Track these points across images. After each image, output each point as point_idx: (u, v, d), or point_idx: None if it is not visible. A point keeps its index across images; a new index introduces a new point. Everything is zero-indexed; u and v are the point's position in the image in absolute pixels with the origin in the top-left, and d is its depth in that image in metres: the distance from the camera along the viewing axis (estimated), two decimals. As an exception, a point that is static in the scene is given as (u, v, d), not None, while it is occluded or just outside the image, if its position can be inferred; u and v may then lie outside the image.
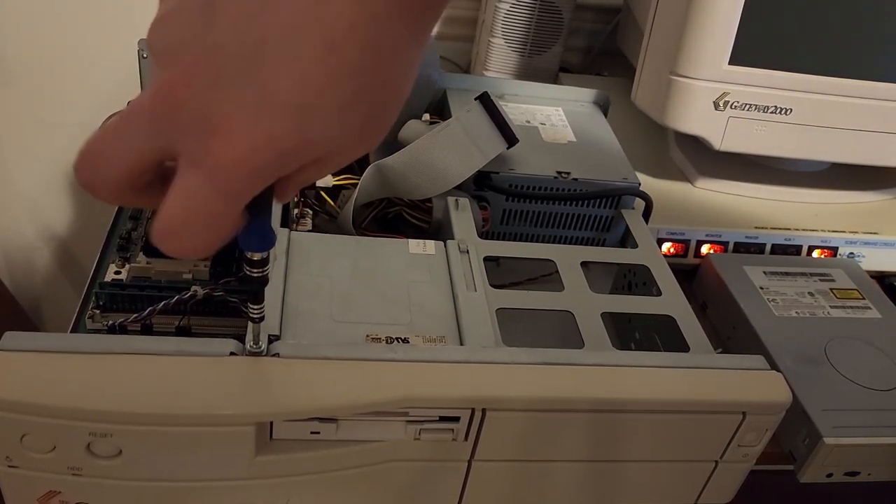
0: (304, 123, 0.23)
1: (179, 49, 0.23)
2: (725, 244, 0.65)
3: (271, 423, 0.36)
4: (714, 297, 0.60)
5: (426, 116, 0.61)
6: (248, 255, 0.31)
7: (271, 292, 0.35)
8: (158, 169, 0.25)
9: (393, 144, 0.55)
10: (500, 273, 0.53)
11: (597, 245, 0.57)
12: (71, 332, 0.43)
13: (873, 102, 0.64)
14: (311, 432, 0.36)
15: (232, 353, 0.36)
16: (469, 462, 0.40)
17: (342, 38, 0.22)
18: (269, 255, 0.32)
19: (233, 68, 0.22)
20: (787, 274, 0.61)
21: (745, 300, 0.57)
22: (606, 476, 0.42)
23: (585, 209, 0.55)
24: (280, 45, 0.22)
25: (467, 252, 0.47)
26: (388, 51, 0.23)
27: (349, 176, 0.54)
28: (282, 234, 0.45)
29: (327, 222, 0.54)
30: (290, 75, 0.22)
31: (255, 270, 0.32)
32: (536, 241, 0.56)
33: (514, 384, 0.37)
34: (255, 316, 0.34)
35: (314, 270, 0.43)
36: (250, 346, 0.36)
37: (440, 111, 0.64)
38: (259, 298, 0.34)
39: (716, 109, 0.63)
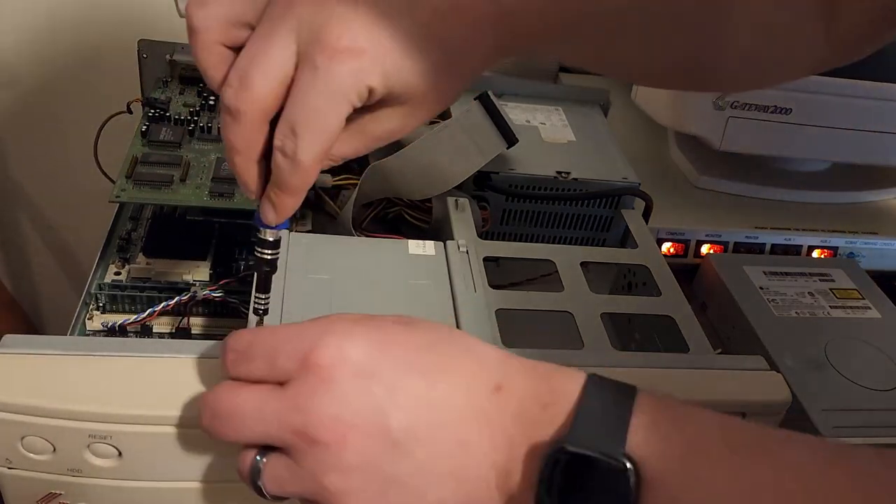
0: None
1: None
2: (725, 244, 0.65)
3: (271, 424, 0.36)
4: (714, 297, 0.60)
5: (426, 116, 0.60)
6: (262, 235, 0.31)
7: (271, 292, 0.35)
8: None
9: (392, 144, 0.55)
10: (500, 273, 0.53)
11: (596, 245, 0.57)
12: (70, 333, 0.44)
13: (873, 102, 0.64)
14: (311, 433, 0.36)
15: (232, 354, 0.35)
16: (469, 463, 0.39)
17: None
18: (281, 239, 0.31)
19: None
20: (786, 274, 0.61)
21: (745, 300, 0.57)
22: (606, 476, 0.42)
23: (585, 209, 0.55)
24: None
25: (467, 252, 0.47)
26: None
27: (349, 176, 0.54)
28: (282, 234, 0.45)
29: (327, 222, 0.54)
30: None
31: (267, 252, 0.31)
32: (536, 241, 0.56)
33: (513, 385, 0.37)
34: (261, 307, 0.34)
35: (314, 270, 0.43)
36: (250, 347, 0.36)
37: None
38: (266, 287, 0.33)
39: (716, 109, 0.63)
